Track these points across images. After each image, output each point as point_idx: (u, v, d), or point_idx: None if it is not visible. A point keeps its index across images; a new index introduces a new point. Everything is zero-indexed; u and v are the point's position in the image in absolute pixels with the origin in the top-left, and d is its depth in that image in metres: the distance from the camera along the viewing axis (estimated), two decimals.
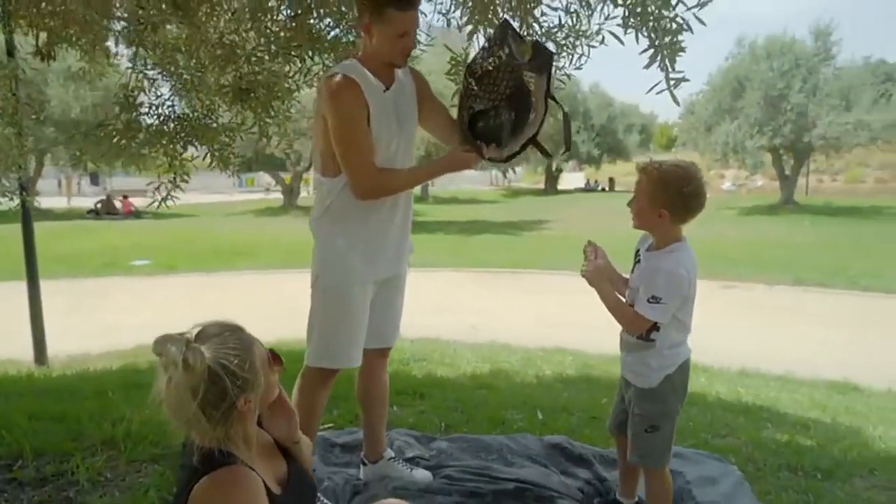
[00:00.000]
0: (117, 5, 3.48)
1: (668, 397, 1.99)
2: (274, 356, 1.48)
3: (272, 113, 3.63)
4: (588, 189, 35.71)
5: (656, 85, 1.98)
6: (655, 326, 1.94)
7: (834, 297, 9.15)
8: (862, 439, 3.34)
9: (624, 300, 2.00)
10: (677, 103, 2.03)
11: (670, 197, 1.86)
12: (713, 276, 10.16)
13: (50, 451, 2.72)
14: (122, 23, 3.49)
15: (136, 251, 12.72)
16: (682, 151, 37.05)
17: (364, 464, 2.48)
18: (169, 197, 3.43)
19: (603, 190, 35.12)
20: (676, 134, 32.50)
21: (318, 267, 2.19)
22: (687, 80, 1.96)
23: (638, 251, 2.06)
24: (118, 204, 21.89)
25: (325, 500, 2.20)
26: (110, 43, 3.70)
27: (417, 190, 36.36)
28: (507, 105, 2.06)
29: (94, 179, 34.86)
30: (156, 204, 3.42)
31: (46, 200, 25.13)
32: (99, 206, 21.76)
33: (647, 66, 1.96)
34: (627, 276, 2.07)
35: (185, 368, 1.26)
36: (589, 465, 2.61)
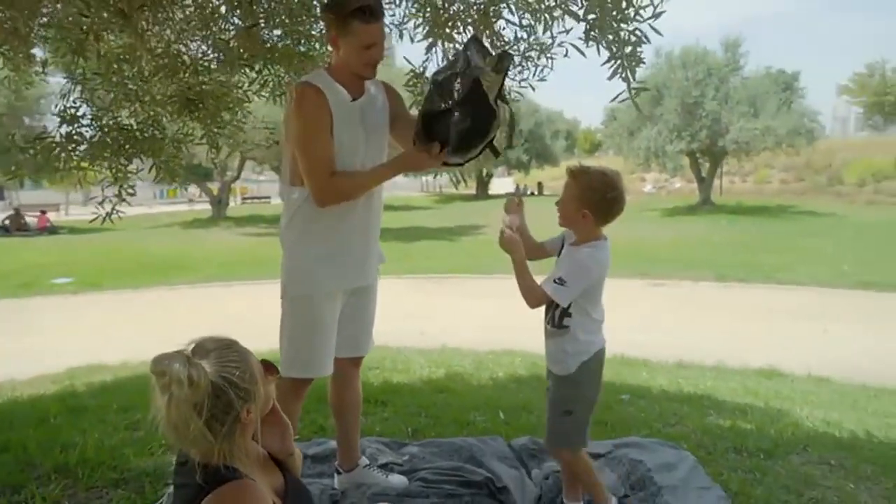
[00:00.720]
0: (44, 10, 3.33)
1: (583, 383, 2.13)
2: (267, 365, 1.50)
3: (221, 124, 3.57)
4: (519, 193, 36.46)
5: (619, 95, 2.11)
6: (566, 313, 2.08)
7: (753, 291, 9.79)
8: (792, 420, 3.63)
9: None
10: (639, 109, 2.20)
11: (594, 200, 2.03)
12: (643, 275, 10.67)
13: None
14: (52, 30, 3.34)
15: (56, 269, 11.99)
16: (605, 156, 38.63)
17: (339, 472, 2.49)
18: (115, 211, 3.32)
19: (532, 194, 35.93)
20: (600, 139, 33.81)
21: (286, 277, 2.20)
22: (647, 90, 2.10)
23: (563, 242, 2.20)
24: (31, 219, 20.53)
25: None
26: (36, 51, 3.54)
27: None
28: (462, 108, 2.06)
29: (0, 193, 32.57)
30: (100, 219, 3.30)
31: None
32: (8, 222, 20.33)
33: (611, 78, 2.09)
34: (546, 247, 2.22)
35: (189, 385, 1.27)
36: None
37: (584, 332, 2.10)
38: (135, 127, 3.40)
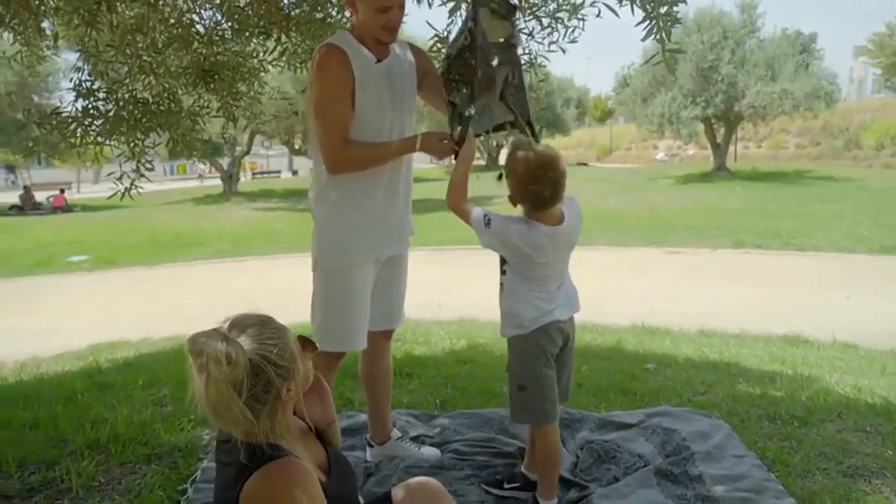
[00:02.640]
0: None
1: (529, 358, 2.02)
2: (304, 341, 1.46)
3: (237, 95, 3.50)
4: None
5: (653, 56, 2.01)
6: (502, 269, 2.03)
7: (771, 258, 9.66)
8: (823, 387, 3.58)
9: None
10: (673, 73, 2.08)
11: (522, 187, 1.94)
12: (658, 244, 10.56)
13: (32, 460, 2.59)
14: (63, 1, 3.26)
15: (71, 247, 12.05)
16: (617, 124, 38.04)
17: (370, 445, 2.48)
18: (133, 187, 3.28)
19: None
20: (611, 107, 33.28)
21: (317, 249, 2.16)
22: (682, 52, 2.01)
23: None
24: (42, 198, 20.63)
25: None
26: (45, 24, 3.46)
27: None
28: (479, 86, 1.98)
29: (11, 172, 32.73)
30: (119, 195, 3.26)
31: None
32: (21, 201, 20.44)
33: (644, 39, 2.00)
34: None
35: (228, 364, 1.24)
36: (588, 430, 2.69)
37: (515, 299, 2.01)
38: (150, 100, 3.35)
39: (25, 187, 21.75)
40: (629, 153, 34.58)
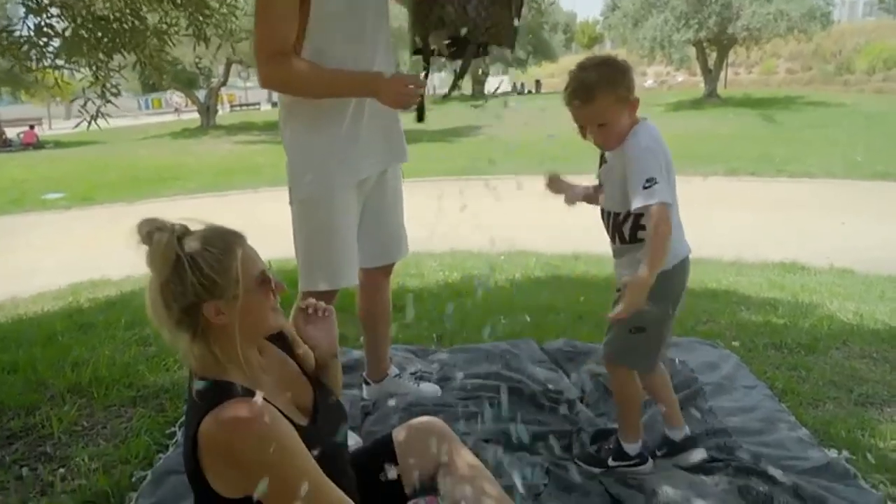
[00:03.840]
0: None
1: (660, 296, 1.71)
2: (270, 279, 1.28)
3: (208, 11, 3.19)
4: (516, 92, 35.28)
5: None
6: (639, 225, 1.75)
7: (765, 185, 9.56)
8: (825, 314, 3.52)
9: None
10: None
11: (630, 81, 1.69)
12: None
13: (11, 405, 2.46)
14: None
15: (46, 184, 11.64)
16: (605, 49, 36.93)
17: (367, 383, 2.37)
18: (100, 115, 3.01)
19: (529, 92, 34.83)
20: (600, 31, 32.21)
21: (291, 178, 1.91)
22: None
23: (602, 156, 1.86)
24: (13, 134, 19.84)
25: (352, 433, 2.09)
26: None
27: None
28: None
29: None
30: (84, 125, 3.00)
31: None
32: None
33: None
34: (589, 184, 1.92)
35: (153, 249, 1.17)
36: (594, 363, 2.60)
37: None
38: (112, 18, 3.03)
39: None
40: None
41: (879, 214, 7.30)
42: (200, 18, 3.19)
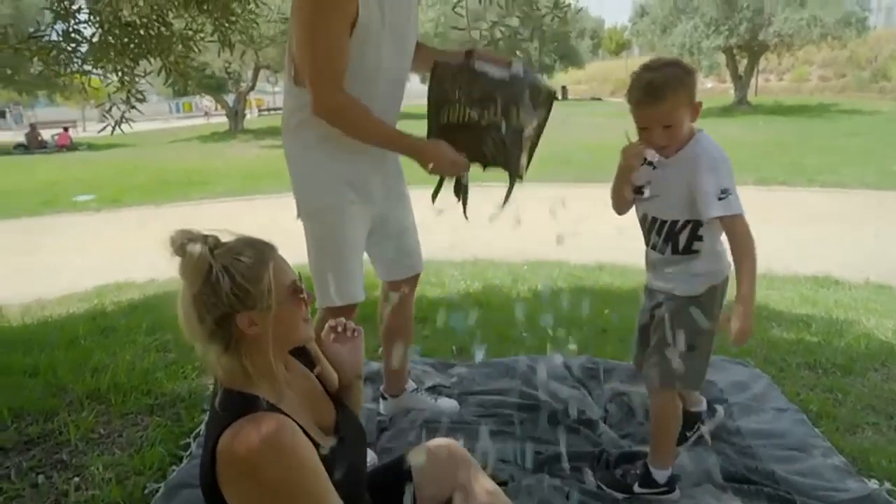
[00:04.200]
0: None
1: (709, 312, 1.76)
2: (301, 289, 1.26)
3: (233, 17, 3.19)
4: None
5: None
6: (697, 236, 1.73)
7: (797, 195, 9.32)
8: (862, 332, 3.37)
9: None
10: None
11: (695, 85, 1.66)
12: None
13: (30, 409, 2.47)
14: None
15: (77, 186, 11.87)
16: (632, 56, 36.61)
17: (384, 398, 2.32)
18: (124, 120, 3.03)
19: (556, 99, 34.65)
20: (628, 38, 31.92)
21: (299, 190, 1.87)
22: None
23: (645, 159, 1.77)
24: (48, 136, 20.32)
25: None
26: None
27: None
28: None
29: (3, 113, 32.31)
30: (109, 129, 3.02)
31: None
32: (26, 139, 20.16)
33: None
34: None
35: (186, 260, 1.16)
36: (618, 381, 2.52)
37: (716, 253, 1.76)
38: (138, 24, 3.05)
39: (31, 125, 21.42)
40: None
41: None
42: (226, 24, 3.19)
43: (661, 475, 1.85)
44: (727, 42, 18.40)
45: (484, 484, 1.51)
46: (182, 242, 1.17)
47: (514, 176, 1.88)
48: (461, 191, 1.94)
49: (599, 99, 31.98)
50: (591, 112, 21.14)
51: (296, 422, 1.19)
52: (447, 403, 2.30)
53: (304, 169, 1.85)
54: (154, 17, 3.04)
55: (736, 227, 1.63)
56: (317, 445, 1.22)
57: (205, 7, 3.10)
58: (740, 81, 20.88)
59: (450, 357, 2.87)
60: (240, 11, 3.16)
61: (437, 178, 1.89)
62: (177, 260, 1.18)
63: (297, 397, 1.31)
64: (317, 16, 1.64)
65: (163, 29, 3.07)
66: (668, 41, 19.28)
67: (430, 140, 1.79)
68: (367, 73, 1.76)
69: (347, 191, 1.84)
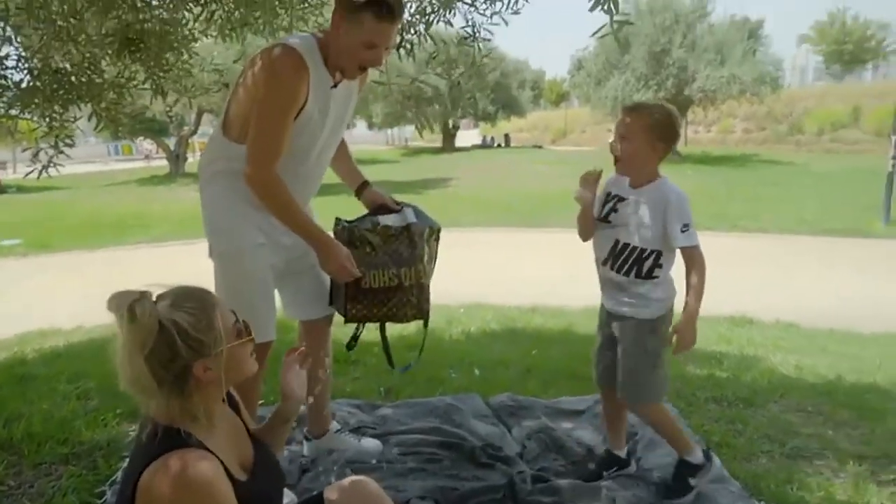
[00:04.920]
0: None
1: (664, 332, 2.03)
2: (243, 327, 1.34)
3: (166, 66, 3.26)
4: (485, 145, 36.12)
5: (601, 28, 1.91)
6: (658, 263, 1.99)
7: (719, 240, 9.83)
8: (767, 367, 3.62)
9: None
10: (620, 43, 2.00)
11: (668, 131, 1.97)
12: None
13: None
14: None
15: (2, 230, 11.37)
16: (571, 107, 38.30)
17: (307, 439, 2.35)
18: (52, 164, 3.02)
19: (499, 146, 35.66)
20: (566, 89, 33.39)
21: (211, 233, 1.97)
22: (631, 23, 1.91)
23: (610, 193, 2.06)
24: None
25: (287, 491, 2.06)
26: None
27: None
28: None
29: None
30: (35, 174, 3.01)
31: None
32: None
33: (592, 9, 1.89)
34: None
35: (129, 320, 1.15)
36: (534, 416, 2.63)
37: (669, 283, 2.04)
38: (69, 70, 3.08)
39: None
40: (584, 136, 34.86)
41: (826, 269, 7.59)
42: (159, 74, 3.25)
43: (695, 457, 2.06)
44: (656, 95, 19.52)
45: None
46: (129, 305, 1.17)
47: (428, 319, 2.18)
48: (384, 342, 2.23)
49: (540, 147, 33.10)
50: (532, 159, 21.87)
51: (219, 458, 1.24)
52: (370, 443, 2.35)
53: (217, 212, 1.94)
54: (86, 64, 3.08)
55: (695, 255, 1.96)
56: (235, 481, 1.26)
57: (138, 56, 3.16)
58: None
59: (377, 398, 2.92)
60: (173, 61, 3.24)
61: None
62: (106, 310, 1.18)
63: (223, 434, 1.35)
64: (271, 101, 1.78)
65: (94, 76, 3.10)
66: (601, 93, 20.31)
67: (333, 240, 1.95)
68: (300, 153, 1.91)
69: (257, 234, 1.92)
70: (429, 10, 2.55)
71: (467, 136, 38.12)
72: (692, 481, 2.05)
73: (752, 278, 7.27)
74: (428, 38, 2.55)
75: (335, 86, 1.88)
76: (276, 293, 2.11)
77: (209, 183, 1.95)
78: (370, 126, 34.91)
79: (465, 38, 2.47)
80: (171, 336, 1.18)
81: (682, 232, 1.93)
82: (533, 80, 36.23)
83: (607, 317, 2.12)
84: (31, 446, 2.47)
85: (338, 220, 2.07)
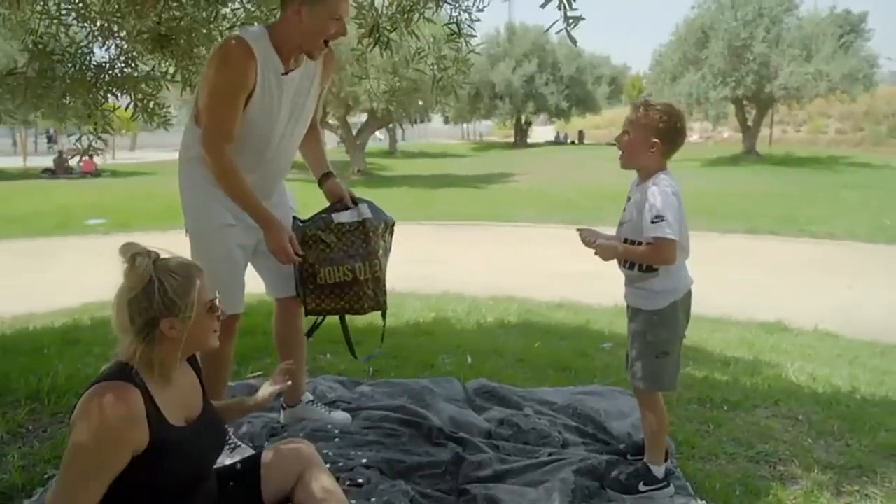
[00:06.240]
0: None
1: (673, 322, 2.06)
2: (217, 307, 1.55)
3: (195, 61, 3.53)
4: (558, 142, 35.67)
5: (553, 24, 1.97)
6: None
7: (782, 245, 9.40)
8: (776, 373, 3.51)
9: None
10: (574, 42, 2.04)
11: (666, 129, 2.00)
12: None
13: None
14: None
15: (92, 210, 12.42)
16: None
17: (283, 408, 2.53)
18: (91, 148, 3.36)
19: (572, 143, 35.13)
20: (645, 85, 32.43)
21: (185, 213, 2.18)
22: (583, 19, 1.95)
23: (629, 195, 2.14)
24: (73, 163, 21.16)
25: (239, 442, 2.26)
26: None
27: (386, 143, 34.97)
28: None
29: (52, 138, 33.70)
30: (85, 158, 3.38)
31: (0, 161, 24.30)
32: (54, 165, 21.07)
33: (544, 6, 1.95)
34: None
35: (129, 267, 1.41)
36: (506, 403, 2.70)
37: (673, 273, 2.04)
38: (109, 64, 3.41)
39: (60, 152, 22.35)
40: None
41: (892, 279, 7.11)
42: (191, 69, 3.54)
43: (658, 471, 2.09)
44: (734, 93, 18.69)
45: (323, 482, 1.70)
46: (133, 253, 1.42)
47: (385, 311, 2.30)
48: (345, 332, 2.36)
49: (615, 144, 32.34)
50: (602, 156, 21.41)
51: (155, 402, 1.42)
52: (340, 416, 2.51)
53: (191, 194, 2.14)
54: (123, 58, 3.40)
55: (661, 247, 1.95)
56: (170, 425, 1.45)
57: (170, 51, 3.45)
58: (749, 132, 21.06)
59: (365, 377, 3.08)
60: (202, 56, 3.51)
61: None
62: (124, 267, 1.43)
63: (175, 389, 1.53)
64: (219, 87, 1.99)
65: (131, 70, 3.42)
66: (676, 90, 19.62)
67: (277, 222, 2.10)
68: (261, 139, 2.08)
69: (227, 215, 2.10)
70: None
71: (542, 133, 37.80)
72: (642, 487, 2.07)
73: (805, 284, 6.93)
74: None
75: (286, 73, 2.02)
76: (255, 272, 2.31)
77: (185, 168, 2.16)
78: (446, 121, 35.29)
79: (451, 35, 2.56)
80: (153, 290, 1.39)
81: (652, 223, 1.94)
82: (611, 76, 35.39)
83: (628, 310, 2.18)
84: (53, 397, 2.79)
85: (294, 218, 2.22)
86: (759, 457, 2.37)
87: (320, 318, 2.31)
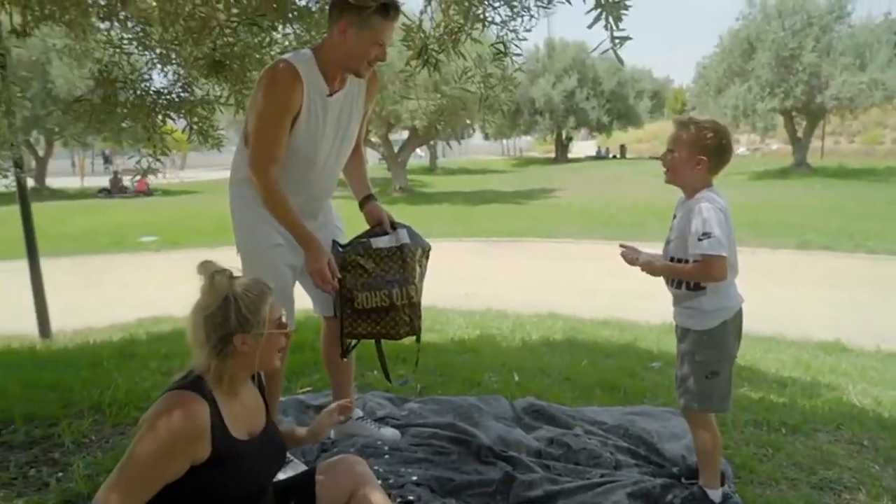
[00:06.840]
0: None
1: (725, 344, 2.03)
2: (286, 325, 1.61)
3: (248, 84, 3.65)
4: (599, 157, 35.34)
5: (600, 44, 1.96)
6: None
7: (837, 260, 9.07)
8: (837, 396, 3.37)
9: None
10: (621, 62, 2.03)
11: (711, 147, 1.98)
12: None
13: (40, 416, 2.84)
14: None
15: (144, 228, 12.91)
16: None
17: None
18: (150, 170, 3.50)
19: (614, 157, 34.73)
20: (688, 98, 31.91)
21: (237, 232, 2.23)
22: (630, 39, 1.94)
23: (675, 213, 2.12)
24: (127, 182, 22.05)
25: (291, 457, 2.29)
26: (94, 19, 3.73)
27: (427, 160, 35.19)
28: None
29: (108, 159, 35.19)
30: (138, 178, 3.52)
31: (59, 181, 25.53)
32: (109, 185, 22.01)
33: (591, 26, 1.95)
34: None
35: (207, 284, 1.47)
36: (555, 422, 2.67)
37: (723, 292, 2.00)
38: (166, 89, 3.56)
39: (115, 172, 23.36)
40: None
41: None
42: (244, 92, 3.66)
43: (715, 495, 2.05)
44: (783, 104, 18.20)
45: (377, 499, 1.72)
46: (212, 272, 1.49)
47: (420, 336, 2.32)
48: (381, 357, 2.39)
49: (657, 158, 31.85)
50: (643, 171, 21.12)
51: (220, 414, 1.47)
52: (389, 432, 2.52)
53: (241, 214, 2.20)
54: (180, 84, 3.54)
55: (710, 264, 1.91)
56: (234, 438, 1.50)
57: (224, 76, 3.58)
58: (799, 144, 20.45)
59: (412, 394, 3.09)
60: (255, 78, 3.63)
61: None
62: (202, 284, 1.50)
63: (242, 404, 1.59)
64: (267, 109, 2.05)
65: (187, 95, 3.56)
66: (721, 102, 19.24)
67: (317, 244, 2.13)
68: (307, 159, 2.14)
69: (276, 235, 2.16)
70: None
71: (584, 148, 37.51)
72: None
73: (863, 303, 6.65)
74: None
75: (331, 94, 2.08)
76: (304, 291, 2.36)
77: (235, 188, 2.23)
78: (486, 137, 35.41)
79: (497, 54, 2.59)
80: (229, 307, 1.45)
81: (700, 240, 1.91)
82: (653, 90, 34.94)
83: (676, 330, 2.15)
84: (114, 409, 2.89)
85: (334, 242, 2.25)
86: (823, 483, 2.28)
87: (353, 343, 2.34)
